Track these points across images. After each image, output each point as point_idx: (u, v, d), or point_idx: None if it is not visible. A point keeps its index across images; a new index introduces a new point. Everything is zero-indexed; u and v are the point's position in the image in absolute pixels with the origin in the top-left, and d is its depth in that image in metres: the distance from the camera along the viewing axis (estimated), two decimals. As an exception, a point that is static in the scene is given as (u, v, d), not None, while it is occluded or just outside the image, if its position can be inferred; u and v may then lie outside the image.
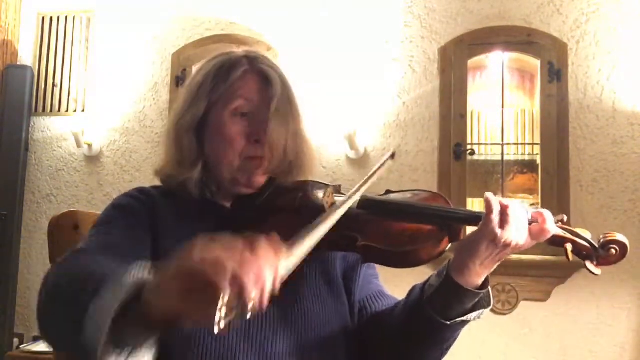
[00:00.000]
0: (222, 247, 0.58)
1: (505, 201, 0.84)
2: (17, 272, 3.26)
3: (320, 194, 0.96)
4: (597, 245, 0.86)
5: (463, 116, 2.95)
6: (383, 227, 0.91)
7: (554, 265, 2.70)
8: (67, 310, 0.69)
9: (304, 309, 0.92)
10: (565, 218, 0.90)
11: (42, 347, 2.80)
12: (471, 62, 3.00)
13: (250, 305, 0.55)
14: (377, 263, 0.98)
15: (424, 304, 0.89)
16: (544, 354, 2.75)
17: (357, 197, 0.91)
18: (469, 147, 2.95)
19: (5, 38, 3.40)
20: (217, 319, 0.54)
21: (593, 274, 0.86)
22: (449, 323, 0.87)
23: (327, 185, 0.98)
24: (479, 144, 3.22)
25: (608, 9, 2.87)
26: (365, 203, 0.94)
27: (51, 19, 3.46)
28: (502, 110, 3.04)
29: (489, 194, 0.85)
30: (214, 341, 0.84)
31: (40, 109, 3.40)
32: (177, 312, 0.58)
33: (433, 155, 2.96)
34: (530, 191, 3.10)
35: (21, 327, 3.27)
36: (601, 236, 0.87)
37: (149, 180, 1.06)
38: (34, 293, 3.27)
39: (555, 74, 2.86)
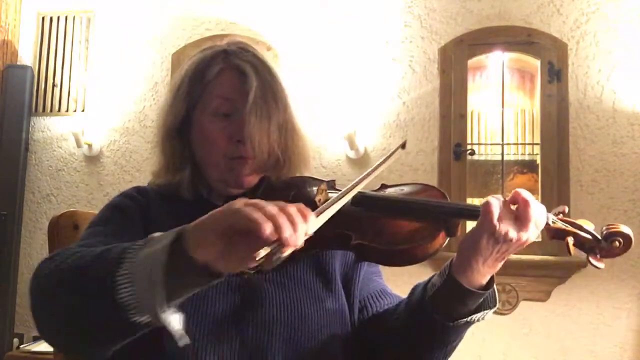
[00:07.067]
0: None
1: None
2: (17, 272, 3.26)
3: (313, 190, 0.93)
4: (599, 237, 0.82)
5: (463, 116, 2.95)
6: (377, 224, 0.88)
7: (554, 265, 2.71)
8: (81, 288, 0.67)
9: (302, 312, 0.89)
10: (566, 209, 0.86)
11: (42, 347, 2.79)
12: (471, 62, 3.00)
13: (285, 246, 0.59)
14: (371, 262, 0.95)
15: (425, 305, 0.86)
16: (544, 354, 2.75)
17: (363, 184, 0.84)
18: (469, 147, 2.94)
19: (5, 38, 3.40)
20: (257, 256, 0.58)
21: (596, 267, 0.82)
22: (451, 324, 0.84)
23: (320, 181, 0.95)
24: (479, 144, 3.22)
25: (608, 9, 2.87)
26: (359, 199, 0.88)
27: (51, 19, 3.46)
28: (502, 110, 3.04)
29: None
30: (208, 348, 0.82)
31: (40, 109, 3.40)
32: (218, 253, 0.61)
33: (433, 155, 2.96)
34: (531, 191, 3.03)
35: (21, 327, 3.26)
36: (604, 228, 0.83)
37: (148, 180, 1.06)
38: (34, 293, 3.29)
39: (555, 74, 2.86)
